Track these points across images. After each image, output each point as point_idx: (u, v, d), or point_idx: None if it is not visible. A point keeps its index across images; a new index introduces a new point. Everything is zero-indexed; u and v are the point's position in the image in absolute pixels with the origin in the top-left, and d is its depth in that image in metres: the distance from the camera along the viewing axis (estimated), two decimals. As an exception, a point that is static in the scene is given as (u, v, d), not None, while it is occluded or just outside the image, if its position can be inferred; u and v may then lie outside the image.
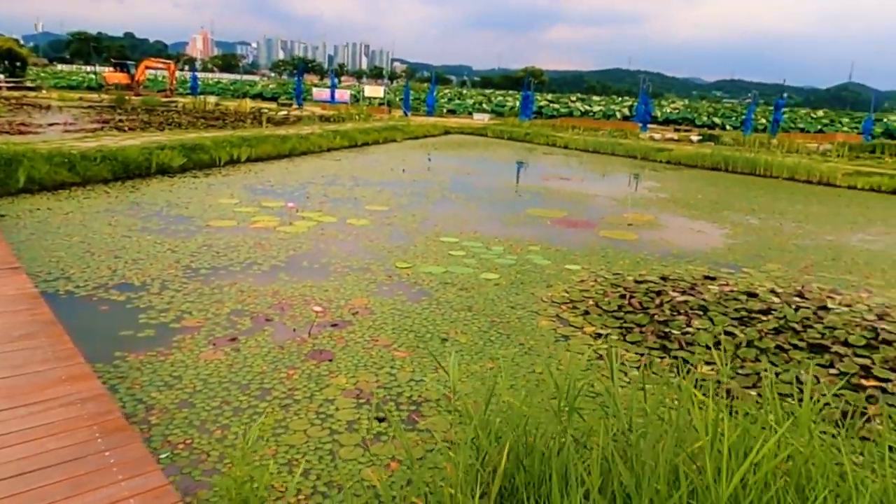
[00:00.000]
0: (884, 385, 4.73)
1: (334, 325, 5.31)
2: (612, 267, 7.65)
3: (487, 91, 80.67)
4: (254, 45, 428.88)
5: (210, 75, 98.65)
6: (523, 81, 39.05)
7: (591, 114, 48.10)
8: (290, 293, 6.03)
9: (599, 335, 5.44)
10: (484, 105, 49.88)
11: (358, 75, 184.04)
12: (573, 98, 63.42)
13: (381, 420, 3.83)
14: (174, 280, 6.17)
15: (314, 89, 42.80)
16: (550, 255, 8.06)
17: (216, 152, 14.00)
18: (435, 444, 3.57)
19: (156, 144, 13.31)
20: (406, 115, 34.01)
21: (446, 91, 67.69)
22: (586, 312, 5.97)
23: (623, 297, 6.43)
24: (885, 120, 49.22)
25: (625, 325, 5.71)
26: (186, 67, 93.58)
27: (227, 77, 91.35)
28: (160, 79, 51.52)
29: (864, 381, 4.80)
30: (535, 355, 4.94)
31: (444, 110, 45.15)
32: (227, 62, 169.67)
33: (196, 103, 30.64)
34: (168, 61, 47.37)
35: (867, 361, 5.15)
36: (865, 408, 4.35)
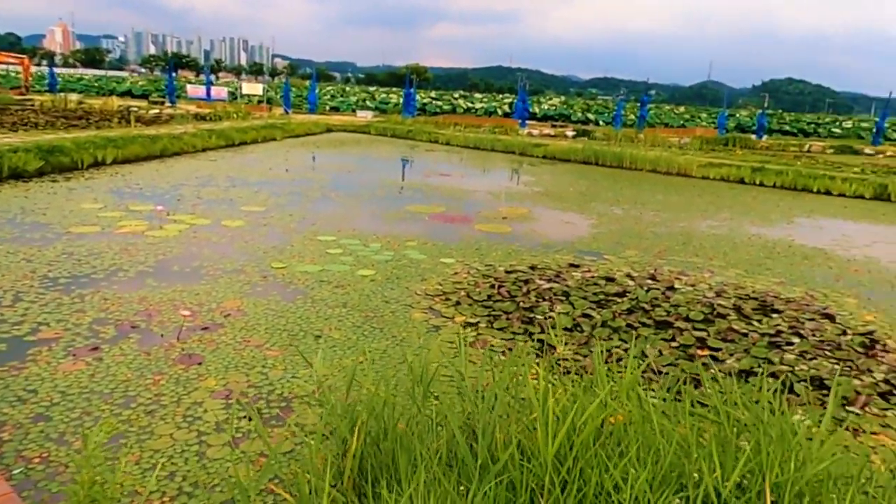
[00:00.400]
0: (715, 354, 5.33)
1: (205, 329, 5.25)
2: (486, 259, 8.00)
3: (371, 88, 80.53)
4: (121, 38, 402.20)
5: (72, 71, 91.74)
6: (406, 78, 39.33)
7: (474, 111, 49.25)
8: (159, 299, 5.88)
9: (469, 324, 5.72)
10: (368, 102, 49.77)
11: (236, 71, 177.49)
12: (456, 95, 64.62)
13: (251, 419, 3.88)
14: (29, 291, 5.84)
15: (188, 86, 40.96)
16: (427, 249, 8.30)
17: (78, 154, 13.17)
18: (304, 437, 3.67)
19: (7, 147, 12.33)
20: (287, 112, 33.32)
21: (329, 88, 66.86)
22: (458, 303, 6.24)
23: (493, 286, 6.77)
24: (737, 115, 53.89)
25: (493, 313, 6.03)
26: (44, 62, 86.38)
27: (91, 73, 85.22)
28: (13, 75, 47.40)
29: (699, 352, 5.38)
30: (407, 346, 5.13)
31: (327, 108, 44.64)
32: (91, 57, 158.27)
33: (55, 101, 28.50)
34: (22, 56, 43.55)
35: (704, 334, 5.77)
36: (696, 374, 4.88)
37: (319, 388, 3.53)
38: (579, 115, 50.10)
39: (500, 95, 73.02)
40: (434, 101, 52.16)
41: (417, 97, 47.17)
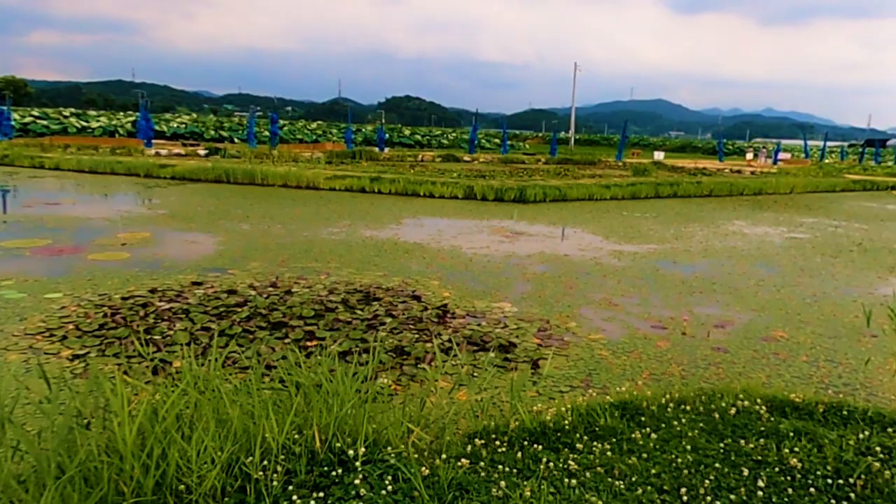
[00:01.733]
0: (321, 342, 6.12)
1: None
2: (99, 288, 7.64)
3: (-50, 105, 66.39)
4: None
5: None
6: (-5, 95, 33.54)
7: (90, 130, 44.45)
8: None
9: (77, 356, 5.52)
10: (-56, 123, 41.03)
11: None
12: (67, 113, 57.22)
13: None
14: None
15: None
16: (27, 287, 7.56)
17: None
18: None
19: None
20: None
21: None
22: (65, 337, 5.94)
23: (106, 315, 6.58)
24: (363, 130, 58.80)
25: (106, 340, 5.90)
26: None
27: None
28: None
29: (308, 343, 6.12)
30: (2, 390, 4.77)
31: None
32: None
33: None
34: None
35: (314, 327, 6.54)
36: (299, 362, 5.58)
37: None
38: (213, 132, 48.99)
39: (123, 113, 66.79)
40: (39, 121, 45.47)
41: (15, 116, 40.71)
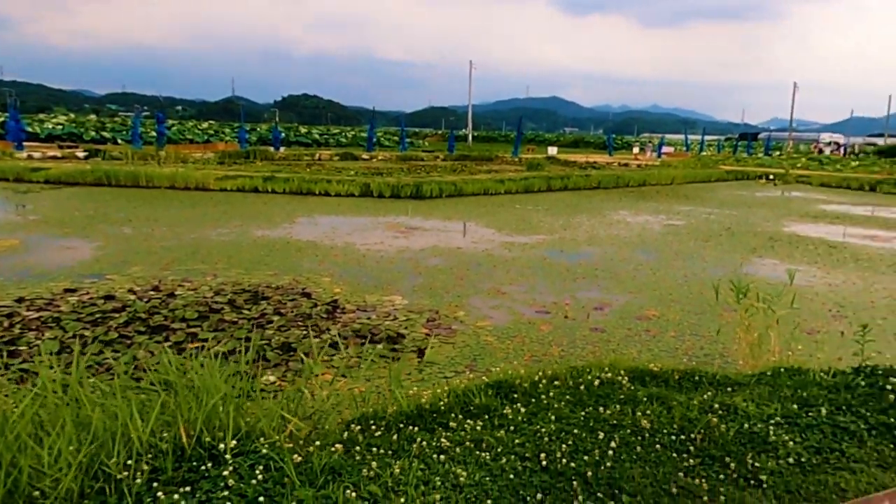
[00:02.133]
0: (204, 343, 5.97)
1: None
2: (-43, 300, 7.10)
3: None
4: None
5: None
6: None
7: (-49, 133, 40.62)
8: None
9: (-71, 372, 5.13)
10: None
11: None
12: (-77, 114, 52.06)
13: None
14: None
15: None
16: None
17: None
18: None
19: None
20: None
21: None
22: (-86, 353, 5.49)
23: (-35, 327, 6.13)
24: (258, 129, 57.08)
25: (-36, 354, 5.51)
26: None
27: None
28: None
29: (190, 345, 5.95)
30: None
31: None
32: None
33: None
34: None
35: (197, 329, 6.38)
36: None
37: None
38: (93, 133, 46.08)
39: (-11, 114, 61.39)
40: None
41: None
